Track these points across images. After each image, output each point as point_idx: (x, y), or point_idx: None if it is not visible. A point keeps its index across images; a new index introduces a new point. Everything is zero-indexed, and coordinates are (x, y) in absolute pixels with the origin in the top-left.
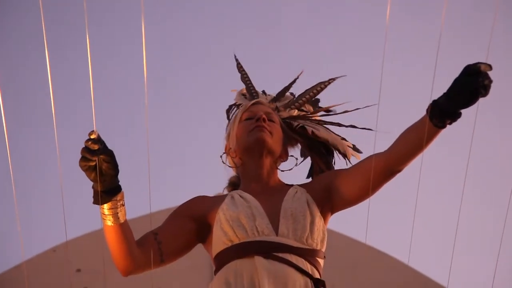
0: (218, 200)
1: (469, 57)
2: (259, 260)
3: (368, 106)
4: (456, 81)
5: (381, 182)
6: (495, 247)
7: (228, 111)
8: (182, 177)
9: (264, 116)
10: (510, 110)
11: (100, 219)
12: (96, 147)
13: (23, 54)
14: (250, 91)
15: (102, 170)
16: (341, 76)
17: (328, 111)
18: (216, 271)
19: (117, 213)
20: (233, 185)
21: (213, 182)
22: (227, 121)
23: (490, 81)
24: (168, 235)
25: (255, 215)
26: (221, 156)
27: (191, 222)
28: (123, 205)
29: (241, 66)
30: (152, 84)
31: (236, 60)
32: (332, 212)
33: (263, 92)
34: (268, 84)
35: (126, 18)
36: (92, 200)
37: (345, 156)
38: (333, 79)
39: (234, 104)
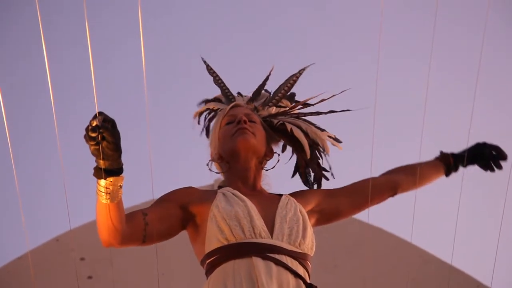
0: (207, 194)
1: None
2: (257, 261)
3: (344, 91)
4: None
5: (378, 202)
6: (498, 222)
7: (199, 116)
8: (182, 165)
9: (244, 118)
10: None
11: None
12: (93, 135)
13: (23, 50)
14: (226, 94)
15: (102, 148)
16: (310, 65)
17: (305, 104)
18: (209, 271)
19: (112, 192)
20: None
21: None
22: (201, 127)
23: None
24: (156, 218)
25: (252, 215)
26: (207, 164)
27: (179, 210)
28: (121, 187)
29: (212, 69)
30: (152, 77)
31: (205, 63)
32: (314, 226)
33: (239, 93)
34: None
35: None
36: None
37: (323, 150)
38: (303, 70)
39: (209, 110)
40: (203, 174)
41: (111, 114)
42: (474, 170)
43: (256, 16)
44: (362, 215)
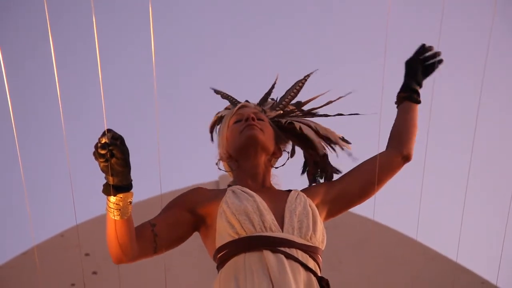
0: (216, 193)
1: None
2: (267, 255)
3: (349, 93)
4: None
5: (392, 175)
6: (503, 220)
7: (212, 128)
8: (188, 161)
9: (252, 115)
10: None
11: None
12: (103, 152)
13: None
14: (233, 102)
15: (111, 165)
16: (315, 71)
17: (310, 111)
18: (220, 265)
19: (122, 208)
20: None
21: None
22: (210, 138)
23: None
24: (165, 227)
25: (261, 209)
26: (216, 164)
27: (188, 214)
28: (131, 203)
29: (219, 91)
30: (161, 69)
31: (213, 89)
32: (326, 219)
33: (246, 101)
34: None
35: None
36: (102, 188)
37: (336, 144)
38: (308, 76)
39: (218, 119)
40: (208, 170)
41: (119, 114)
42: (478, 168)
43: (260, 18)
44: (368, 212)
